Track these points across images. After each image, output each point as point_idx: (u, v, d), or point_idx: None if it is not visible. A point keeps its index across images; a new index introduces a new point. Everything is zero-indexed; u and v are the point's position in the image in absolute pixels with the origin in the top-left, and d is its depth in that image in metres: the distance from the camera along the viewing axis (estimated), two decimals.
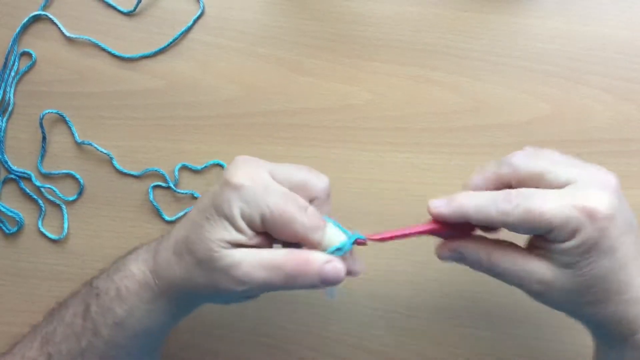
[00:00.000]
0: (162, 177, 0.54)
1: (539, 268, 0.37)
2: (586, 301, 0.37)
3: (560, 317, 0.50)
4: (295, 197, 0.37)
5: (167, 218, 0.54)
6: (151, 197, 0.54)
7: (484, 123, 0.54)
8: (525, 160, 0.38)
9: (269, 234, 0.38)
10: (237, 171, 0.37)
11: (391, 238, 0.39)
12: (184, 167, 0.54)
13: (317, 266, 0.36)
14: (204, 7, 0.56)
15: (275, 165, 0.39)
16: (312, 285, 0.36)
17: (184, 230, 0.39)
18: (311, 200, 0.39)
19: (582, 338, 0.49)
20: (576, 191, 0.35)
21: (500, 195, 0.36)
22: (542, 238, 0.36)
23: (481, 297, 0.51)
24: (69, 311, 0.42)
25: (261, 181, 0.37)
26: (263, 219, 0.36)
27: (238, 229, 0.36)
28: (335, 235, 0.38)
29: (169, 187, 0.54)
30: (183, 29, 0.55)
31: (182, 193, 0.54)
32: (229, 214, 0.36)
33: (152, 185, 0.54)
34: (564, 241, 0.35)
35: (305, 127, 0.54)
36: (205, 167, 0.54)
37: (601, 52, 0.54)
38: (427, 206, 0.38)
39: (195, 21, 0.56)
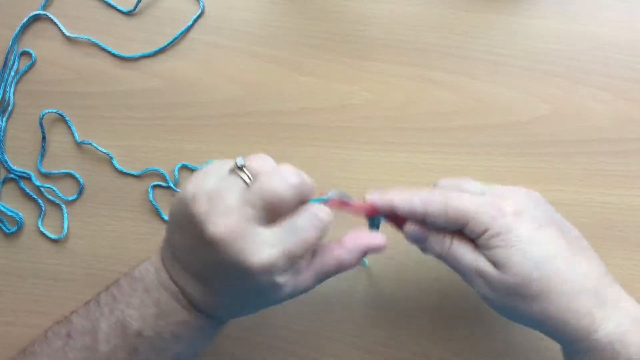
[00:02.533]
0: (162, 177, 0.54)
1: (484, 260, 0.39)
2: (527, 295, 0.38)
3: None
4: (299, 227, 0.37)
5: (167, 218, 0.54)
6: (151, 197, 0.54)
7: (484, 123, 0.54)
8: (450, 180, 0.44)
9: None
10: (218, 226, 0.36)
11: (338, 204, 0.41)
12: (184, 167, 0.54)
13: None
14: (204, 7, 0.56)
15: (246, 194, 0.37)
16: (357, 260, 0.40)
17: (191, 259, 0.39)
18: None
19: None
20: (488, 194, 0.40)
21: (425, 191, 0.41)
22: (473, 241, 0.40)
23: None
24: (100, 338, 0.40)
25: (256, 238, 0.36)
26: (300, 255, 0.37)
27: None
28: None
29: (169, 187, 0.54)
30: (183, 28, 0.55)
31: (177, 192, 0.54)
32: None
33: (152, 185, 0.54)
34: (480, 235, 0.38)
35: (305, 127, 0.54)
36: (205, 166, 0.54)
37: (601, 52, 0.54)
38: (364, 196, 0.42)
39: (195, 21, 0.56)
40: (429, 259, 0.52)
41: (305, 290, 0.39)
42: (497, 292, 0.39)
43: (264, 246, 0.36)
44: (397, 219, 0.42)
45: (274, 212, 0.36)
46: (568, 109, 0.53)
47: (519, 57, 0.54)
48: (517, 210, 0.39)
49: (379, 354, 0.52)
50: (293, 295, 0.39)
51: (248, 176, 0.37)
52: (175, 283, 0.40)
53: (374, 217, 0.42)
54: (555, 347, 0.51)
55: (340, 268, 0.40)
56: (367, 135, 0.54)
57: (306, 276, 0.39)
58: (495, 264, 0.38)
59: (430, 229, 0.41)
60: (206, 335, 0.42)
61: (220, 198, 0.36)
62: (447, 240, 0.41)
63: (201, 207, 0.36)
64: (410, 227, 0.41)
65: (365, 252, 0.40)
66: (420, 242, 0.42)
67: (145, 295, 0.39)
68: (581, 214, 0.52)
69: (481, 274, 0.39)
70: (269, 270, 0.36)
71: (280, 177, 0.36)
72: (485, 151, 0.53)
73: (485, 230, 0.38)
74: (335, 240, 0.40)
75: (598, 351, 0.37)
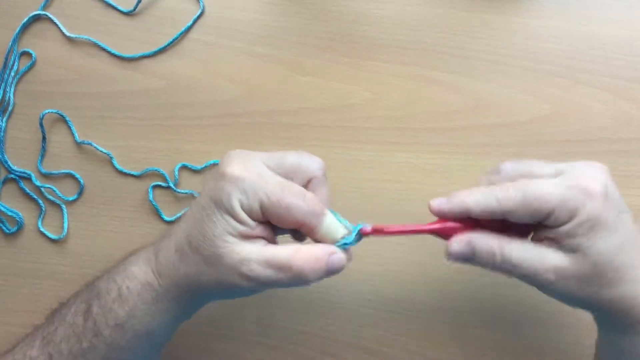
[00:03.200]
0: (162, 177, 0.54)
1: (551, 255, 0.36)
2: (600, 283, 0.36)
3: (560, 316, 0.51)
4: (291, 184, 0.38)
5: (167, 218, 0.54)
6: (151, 197, 0.54)
7: (484, 123, 0.54)
8: (513, 164, 0.39)
9: (271, 222, 0.38)
10: (231, 163, 0.37)
11: (394, 232, 0.39)
12: (184, 167, 0.54)
13: (325, 261, 0.37)
14: (204, 7, 0.56)
15: (267, 154, 0.39)
16: (318, 280, 0.37)
17: (185, 229, 0.39)
18: (308, 181, 0.39)
19: (582, 337, 0.50)
20: (570, 175, 0.36)
21: (498, 187, 0.37)
22: (545, 227, 0.37)
23: (482, 297, 0.51)
24: (71, 311, 0.42)
25: (256, 171, 0.37)
26: (262, 208, 0.37)
27: (240, 221, 0.37)
28: (334, 225, 0.38)
29: (169, 187, 0.54)
30: (183, 28, 0.55)
31: (182, 193, 0.54)
32: (229, 206, 0.36)
33: (152, 185, 0.54)
34: (565, 223, 0.35)
35: (305, 126, 0.54)
36: (205, 167, 0.54)
37: (601, 52, 0.54)
38: (428, 205, 0.38)
39: (195, 21, 0.56)
40: (429, 259, 0.52)
41: (260, 279, 0.37)
42: (568, 284, 0.36)
43: (258, 261, 0.36)
44: (445, 230, 0.38)
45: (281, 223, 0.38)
46: (568, 108, 0.53)
47: (519, 57, 0.54)
48: (604, 193, 0.35)
49: (379, 354, 0.52)
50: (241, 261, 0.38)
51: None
52: (155, 258, 0.40)
53: (446, 238, 0.38)
54: (558, 347, 0.51)
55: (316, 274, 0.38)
56: (367, 135, 0.54)
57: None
58: (573, 250, 0.36)
59: (473, 240, 0.37)
60: (150, 307, 0.40)
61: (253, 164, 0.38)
62: (496, 248, 0.37)
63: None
64: (454, 246, 0.38)
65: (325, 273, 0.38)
66: (468, 259, 0.38)
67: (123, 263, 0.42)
68: None
69: (555, 270, 0.36)
70: (252, 280, 0.36)
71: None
72: (485, 151, 0.53)
73: (572, 218, 0.35)
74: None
75: None
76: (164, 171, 0.54)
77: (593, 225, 0.35)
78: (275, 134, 0.54)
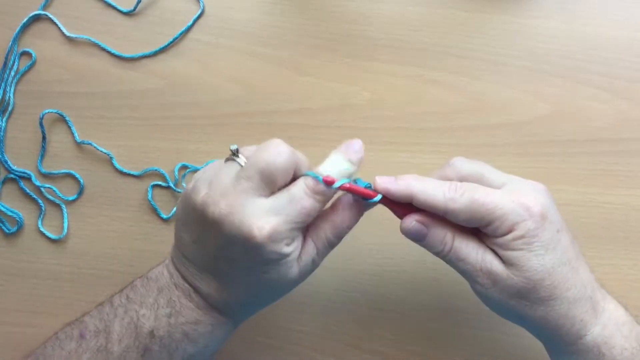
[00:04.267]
0: (162, 177, 0.54)
1: (492, 261, 0.38)
2: (533, 299, 0.37)
3: None
4: (294, 199, 0.37)
5: (165, 216, 0.54)
6: (149, 196, 0.54)
7: (484, 123, 0.54)
8: (467, 162, 0.40)
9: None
10: (215, 208, 0.36)
11: (344, 188, 0.38)
12: (184, 167, 0.54)
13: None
14: (204, 7, 0.56)
15: (246, 182, 0.37)
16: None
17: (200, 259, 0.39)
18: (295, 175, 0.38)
19: None
20: (513, 190, 0.38)
21: (447, 183, 0.38)
22: (486, 237, 0.38)
23: None
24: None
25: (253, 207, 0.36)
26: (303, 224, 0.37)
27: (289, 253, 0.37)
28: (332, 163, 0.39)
29: (168, 187, 0.54)
30: (183, 28, 0.55)
31: (181, 192, 0.54)
32: (283, 255, 0.37)
33: (151, 184, 0.54)
34: (503, 235, 0.37)
35: (305, 127, 0.54)
36: (205, 166, 0.54)
37: (601, 52, 0.54)
38: (374, 180, 0.39)
39: (195, 21, 0.56)
40: (429, 259, 0.52)
41: (311, 265, 0.39)
42: (501, 293, 0.38)
43: (264, 215, 0.35)
44: (394, 204, 0.39)
45: (270, 182, 0.36)
46: (568, 109, 0.53)
47: (519, 57, 0.54)
48: (543, 213, 0.37)
49: (379, 354, 0.52)
50: (302, 272, 0.39)
51: (242, 159, 0.38)
52: (188, 282, 0.40)
53: (369, 200, 0.39)
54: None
55: (336, 231, 0.39)
56: (367, 135, 0.54)
57: (308, 247, 0.39)
58: (508, 263, 0.37)
59: (431, 225, 0.39)
60: (219, 335, 0.42)
61: (218, 181, 0.37)
62: (449, 237, 0.38)
63: (201, 193, 0.37)
64: (410, 222, 0.39)
65: (360, 209, 0.39)
66: (418, 239, 0.39)
67: (159, 295, 0.40)
68: (581, 214, 0.52)
69: (488, 274, 0.38)
70: (274, 237, 0.36)
71: (271, 147, 0.37)
72: (485, 151, 0.53)
73: (510, 231, 0.36)
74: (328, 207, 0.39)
75: (584, 353, 0.38)
76: (164, 171, 0.54)
77: (528, 242, 0.36)
78: (275, 134, 0.54)
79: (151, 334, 0.39)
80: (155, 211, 0.54)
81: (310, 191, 0.37)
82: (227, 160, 0.39)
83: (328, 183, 0.37)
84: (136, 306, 0.40)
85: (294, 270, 0.38)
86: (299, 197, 0.36)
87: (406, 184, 0.38)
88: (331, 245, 0.39)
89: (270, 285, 0.39)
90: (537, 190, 0.39)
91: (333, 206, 0.40)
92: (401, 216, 0.39)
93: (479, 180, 0.39)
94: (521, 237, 0.36)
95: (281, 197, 0.36)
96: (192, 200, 0.37)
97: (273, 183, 0.36)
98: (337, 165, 0.38)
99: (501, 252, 0.37)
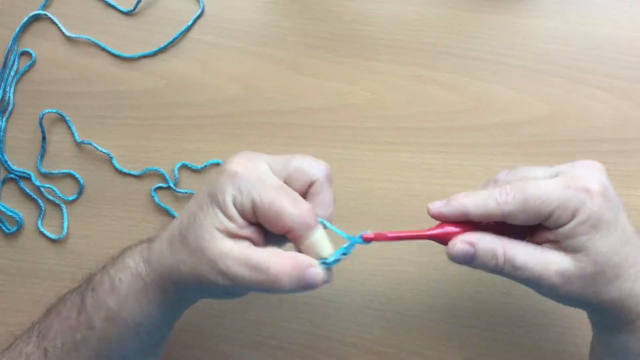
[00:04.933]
0: (162, 177, 0.54)
1: (555, 257, 0.36)
2: (601, 282, 0.36)
3: (559, 316, 0.51)
4: (288, 189, 0.37)
5: (176, 214, 0.53)
6: (156, 199, 0.53)
7: (484, 123, 0.54)
8: (509, 173, 0.39)
9: (262, 227, 0.37)
10: (234, 161, 0.37)
11: (394, 238, 0.38)
12: (184, 167, 0.54)
13: (302, 270, 0.35)
14: (204, 7, 0.56)
15: (273, 156, 0.39)
16: (292, 290, 0.36)
17: (179, 219, 0.39)
18: (310, 185, 0.38)
19: (581, 337, 0.50)
20: (567, 175, 0.36)
21: (497, 189, 0.37)
22: (546, 230, 0.37)
23: (481, 297, 0.51)
24: (66, 305, 0.42)
25: (256, 171, 0.37)
26: (254, 207, 0.36)
27: (229, 217, 0.36)
28: (322, 242, 0.37)
29: (169, 187, 0.54)
30: (183, 28, 0.55)
31: (183, 192, 0.54)
32: (222, 201, 0.36)
33: (154, 187, 0.54)
34: (566, 222, 0.35)
35: (305, 127, 0.54)
36: (205, 166, 0.54)
37: (601, 52, 0.54)
38: (427, 208, 0.38)
39: (195, 21, 0.56)
40: (429, 259, 0.52)
41: (236, 278, 0.36)
42: (572, 286, 0.36)
43: (236, 263, 0.36)
44: (435, 234, 0.38)
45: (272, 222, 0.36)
46: (568, 109, 0.53)
47: (519, 57, 0.54)
48: (603, 191, 0.35)
49: (379, 354, 0.52)
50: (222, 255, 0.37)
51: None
52: (150, 240, 0.40)
53: (443, 242, 0.38)
54: (557, 347, 0.51)
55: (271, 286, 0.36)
56: (367, 135, 0.54)
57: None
58: (574, 251, 0.36)
59: (477, 241, 0.37)
60: (141, 299, 0.39)
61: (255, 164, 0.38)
62: (499, 249, 0.37)
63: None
64: (454, 245, 0.37)
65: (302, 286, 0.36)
66: (469, 261, 0.37)
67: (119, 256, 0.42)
68: None
69: (557, 272, 0.36)
70: (233, 284, 0.36)
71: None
72: (485, 151, 0.53)
73: (573, 217, 0.35)
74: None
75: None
76: (164, 171, 0.54)
77: (594, 224, 0.35)
78: (275, 134, 0.54)
79: (90, 281, 0.41)
80: (155, 211, 0.54)
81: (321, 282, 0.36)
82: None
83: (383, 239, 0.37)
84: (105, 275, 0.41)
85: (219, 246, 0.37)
86: (279, 278, 0.35)
87: (458, 203, 0.37)
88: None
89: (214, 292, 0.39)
90: (592, 169, 0.37)
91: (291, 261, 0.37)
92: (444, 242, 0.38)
93: (526, 180, 0.38)
94: (585, 220, 0.35)
95: (262, 262, 0.36)
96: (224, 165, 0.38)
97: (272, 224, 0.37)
98: (323, 246, 0.37)
99: (566, 241, 0.36)
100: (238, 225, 0.36)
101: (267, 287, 0.36)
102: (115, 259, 0.42)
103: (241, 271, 0.35)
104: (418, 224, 0.40)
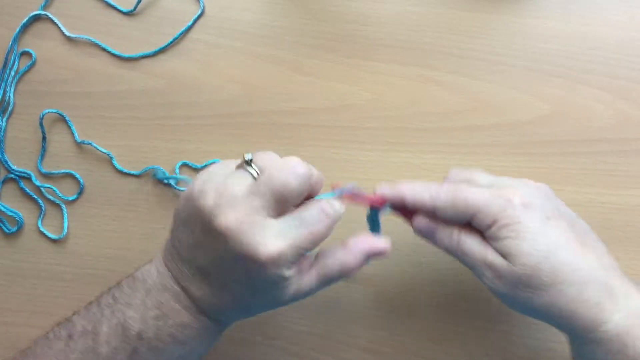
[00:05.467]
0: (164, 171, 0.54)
1: (493, 253, 0.39)
2: (536, 285, 0.37)
3: None
4: (303, 216, 0.38)
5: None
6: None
7: (484, 123, 0.54)
8: (460, 171, 0.44)
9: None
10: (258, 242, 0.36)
11: (348, 197, 0.41)
12: (185, 165, 0.54)
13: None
14: (204, 7, 0.56)
15: (255, 197, 0.37)
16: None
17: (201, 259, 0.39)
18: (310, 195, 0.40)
19: None
20: (497, 186, 0.41)
21: (434, 184, 0.41)
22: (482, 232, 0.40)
23: (481, 297, 0.51)
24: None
25: (262, 230, 0.37)
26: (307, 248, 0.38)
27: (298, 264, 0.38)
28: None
29: (169, 184, 0.54)
30: (183, 28, 0.55)
31: (182, 190, 0.54)
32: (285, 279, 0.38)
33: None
34: (490, 226, 0.38)
35: (305, 127, 0.54)
36: (206, 165, 0.54)
37: (601, 52, 0.54)
38: (375, 189, 0.42)
39: (195, 21, 0.56)
40: (429, 259, 0.52)
41: (307, 292, 0.39)
42: (506, 284, 0.38)
43: (272, 237, 0.36)
44: (406, 211, 0.42)
45: (282, 203, 0.37)
46: (568, 109, 0.53)
47: (519, 57, 0.54)
48: (525, 202, 0.39)
49: (379, 354, 0.52)
50: (296, 296, 0.39)
51: (256, 170, 0.38)
52: (178, 283, 0.40)
53: (378, 209, 0.42)
54: (558, 347, 0.51)
55: (343, 271, 0.39)
56: (367, 135, 0.54)
57: (310, 276, 0.39)
58: (504, 255, 0.38)
59: (439, 222, 0.41)
60: (207, 339, 0.41)
61: (228, 191, 0.37)
62: (455, 233, 0.40)
63: (209, 201, 0.37)
64: (418, 220, 0.42)
65: (369, 256, 0.40)
66: (428, 235, 0.42)
67: (146, 297, 0.39)
68: (581, 214, 0.52)
69: (490, 266, 0.39)
70: (277, 261, 0.36)
71: (288, 168, 0.37)
72: (485, 151, 0.53)
73: (494, 222, 0.38)
74: (340, 244, 0.40)
75: (606, 343, 0.37)
76: (164, 171, 0.54)
77: (515, 228, 0.38)
78: (275, 134, 0.54)
79: (139, 335, 0.39)
80: (155, 211, 0.54)
81: (322, 215, 0.38)
82: (239, 167, 0.39)
83: (346, 197, 0.40)
84: (123, 307, 0.40)
85: (289, 291, 0.38)
86: (309, 223, 0.37)
87: (398, 189, 0.41)
88: (333, 282, 0.40)
89: (263, 301, 0.40)
90: (521, 184, 0.41)
91: (345, 245, 0.40)
92: (410, 219, 0.43)
93: (469, 183, 0.42)
94: (506, 225, 0.38)
95: (291, 221, 0.37)
96: (199, 204, 0.37)
97: (284, 204, 0.37)
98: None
99: (495, 244, 0.39)
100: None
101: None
102: (156, 312, 0.40)
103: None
104: None
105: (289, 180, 0.36)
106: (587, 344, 0.38)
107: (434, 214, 0.41)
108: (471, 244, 0.40)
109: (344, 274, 0.40)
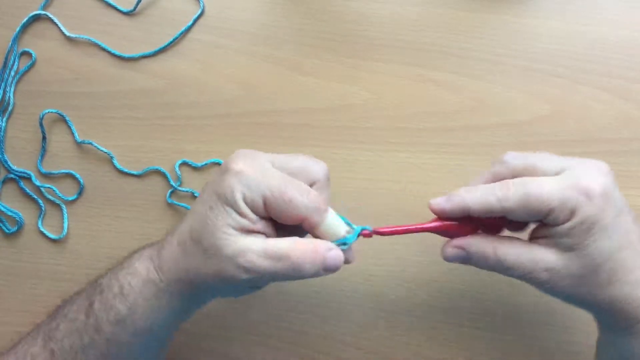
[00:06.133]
0: (163, 176, 0.54)
1: (544, 255, 0.37)
2: (594, 283, 0.37)
3: (560, 316, 0.51)
4: (295, 180, 0.38)
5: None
6: (169, 199, 0.53)
7: (484, 123, 0.54)
8: (517, 156, 0.39)
9: (273, 219, 0.38)
10: (236, 160, 0.38)
11: (395, 232, 0.39)
12: (185, 164, 0.54)
13: (323, 255, 0.37)
14: (204, 7, 0.56)
15: (273, 155, 0.39)
16: (314, 274, 0.37)
17: (188, 222, 0.39)
18: (311, 185, 0.39)
19: (582, 337, 0.50)
20: (570, 175, 0.37)
21: (498, 184, 0.37)
22: (543, 226, 0.37)
23: (481, 297, 0.51)
24: (73, 308, 0.42)
25: (260, 167, 0.37)
26: (265, 201, 0.37)
27: (242, 214, 0.37)
28: (335, 224, 0.38)
29: (170, 186, 0.54)
30: (183, 28, 0.55)
31: (184, 191, 0.54)
32: (232, 199, 0.37)
33: (170, 191, 0.54)
34: (564, 222, 0.36)
35: (305, 127, 0.54)
36: (206, 164, 0.54)
37: (601, 52, 0.54)
38: (429, 204, 0.39)
39: (195, 21, 0.56)
40: (429, 259, 0.52)
41: (259, 270, 0.37)
42: (562, 282, 0.37)
43: (256, 255, 0.37)
44: (461, 229, 0.39)
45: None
46: (568, 109, 0.53)
47: (519, 57, 0.54)
48: (604, 193, 0.36)
49: (379, 354, 0.52)
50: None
51: None
52: (158, 256, 0.40)
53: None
54: (557, 346, 0.51)
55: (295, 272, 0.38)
56: (367, 135, 0.54)
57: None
58: (567, 249, 0.36)
59: (468, 245, 0.38)
60: (151, 302, 0.40)
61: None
62: (490, 251, 0.38)
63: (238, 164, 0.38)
64: (448, 251, 0.39)
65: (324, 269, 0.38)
66: (465, 262, 0.39)
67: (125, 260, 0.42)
68: None
69: (546, 269, 0.37)
70: (252, 277, 0.37)
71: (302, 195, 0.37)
72: (485, 151, 0.53)
73: (571, 218, 0.36)
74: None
75: None
76: (164, 170, 0.54)
77: (590, 226, 0.35)
78: (275, 134, 0.54)
79: (98, 284, 0.41)
80: (155, 211, 0.54)
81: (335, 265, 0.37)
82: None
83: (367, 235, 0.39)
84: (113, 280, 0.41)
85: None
86: (302, 265, 0.37)
87: (459, 199, 0.38)
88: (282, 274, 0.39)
89: (228, 290, 0.40)
90: (598, 170, 0.37)
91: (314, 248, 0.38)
92: (450, 236, 0.40)
93: (533, 172, 0.38)
94: (581, 223, 0.35)
95: (282, 242, 0.37)
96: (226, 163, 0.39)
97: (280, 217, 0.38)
98: (337, 226, 0.38)
99: (561, 239, 0.36)
100: (251, 220, 0.37)
101: (290, 275, 0.37)
102: (122, 263, 0.42)
103: (264, 263, 0.36)
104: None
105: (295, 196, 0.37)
106: (625, 336, 0.38)
107: (502, 217, 0.38)
108: (514, 256, 0.37)
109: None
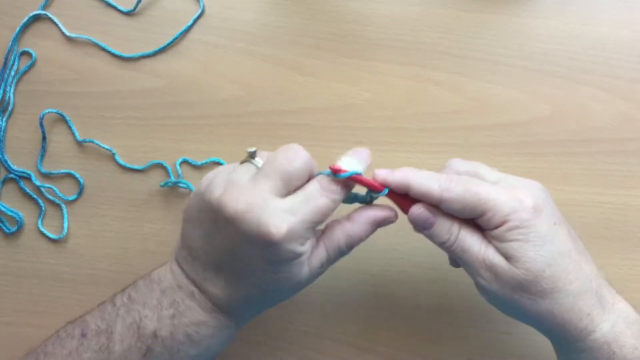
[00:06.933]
0: (165, 171, 0.54)
1: (493, 254, 0.38)
2: (533, 293, 0.37)
3: None
4: (309, 197, 0.38)
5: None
6: (162, 184, 0.53)
7: (484, 123, 0.54)
8: (463, 162, 0.42)
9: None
10: (268, 224, 0.36)
11: (352, 179, 0.39)
12: (185, 162, 0.54)
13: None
14: (204, 7, 0.56)
15: (270, 182, 0.38)
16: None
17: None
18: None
19: None
20: (507, 184, 0.39)
21: (444, 175, 0.39)
22: (482, 229, 0.39)
23: (481, 297, 0.51)
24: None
25: (267, 206, 0.37)
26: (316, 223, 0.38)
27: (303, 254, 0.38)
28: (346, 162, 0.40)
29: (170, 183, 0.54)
30: (183, 28, 0.55)
31: (186, 187, 0.54)
32: (293, 257, 0.37)
33: (167, 182, 0.54)
34: (497, 226, 0.37)
35: (305, 127, 0.54)
36: (206, 163, 0.54)
37: (601, 52, 0.54)
38: (374, 173, 0.40)
39: (195, 21, 0.56)
40: (429, 259, 0.52)
41: (319, 268, 0.39)
42: (503, 287, 0.38)
43: (281, 214, 0.36)
44: (401, 197, 0.40)
45: (288, 183, 0.37)
46: (568, 109, 0.53)
47: (519, 57, 0.54)
48: (537, 205, 0.37)
49: (379, 354, 0.52)
50: (310, 275, 0.39)
51: (259, 162, 0.39)
52: (193, 282, 0.40)
53: (376, 193, 0.40)
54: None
55: (349, 241, 0.40)
56: (367, 135, 0.54)
57: (319, 250, 0.39)
58: (507, 256, 0.37)
59: (438, 214, 0.39)
60: (221, 338, 0.41)
61: (235, 181, 0.37)
62: (455, 227, 0.39)
63: (217, 192, 0.37)
64: (417, 209, 0.39)
65: (375, 225, 0.40)
66: (425, 226, 0.39)
67: (162, 296, 0.40)
68: (581, 214, 0.52)
69: (490, 267, 0.38)
70: (290, 237, 0.36)
71: (291, 150, 0.38)
72: (485, 151, 0.53)
73: (504, 222, 0.37)
74: (345, 217, 0.40)
75: (594, 350, 0.38)
76: (167, 164, 0.54)
77: (525, 232, 0.37)
78: (275, 134, 0.54)
79: (154, 334, 0.39)
80: (154, 211, 0.54)
81: (324, 190, 0.38)
82: (243, 162, 0.40)
83: (335, 171, 0.38)
84: (139, 306, 0.40)
85: (303, 271, 0.39)
86: (314, 197, 0.37)
87: (403, 175, 0.39)
88: (342, 253, 0.40)
89: (279, 285, 0.39)
90: (530, 186, 0.39)
91: (349, 217, 0.40)
92: (406, 211, 0.40)
93: (475, 177, 0.40)
94: (516, 227, 0.37)
95: (297, 197, 0.37)
96: (208, 196, 0.38)
97: (290, 184, 0.37)
98: (348, 167, 0.39)
99: (499, 244, 0.38)
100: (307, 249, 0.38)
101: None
102: (170, 309, 0.40)
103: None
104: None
105: (292, 160, 0.37)
106: (575, 352, 0.39)
107: (437, 206, 0.39)
108: (471, 241, 0.39)
109: (350, 244, 0.40)
